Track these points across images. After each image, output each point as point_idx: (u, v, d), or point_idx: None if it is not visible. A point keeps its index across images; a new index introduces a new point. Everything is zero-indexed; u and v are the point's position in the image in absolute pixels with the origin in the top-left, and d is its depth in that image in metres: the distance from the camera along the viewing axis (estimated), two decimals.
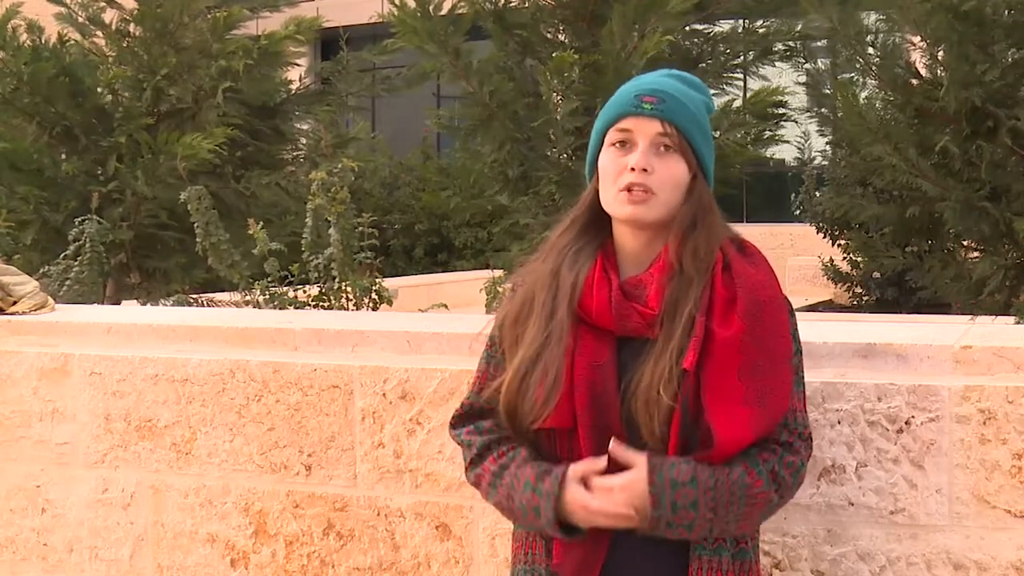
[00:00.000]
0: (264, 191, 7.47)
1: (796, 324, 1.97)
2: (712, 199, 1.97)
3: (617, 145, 1.94)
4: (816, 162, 12.85)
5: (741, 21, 8.02)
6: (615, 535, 1.89)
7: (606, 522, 1.85)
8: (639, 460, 1.83)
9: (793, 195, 12.40)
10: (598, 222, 1.99)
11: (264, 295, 4.79)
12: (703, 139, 1.95)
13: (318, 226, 4.95)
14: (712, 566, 1.88)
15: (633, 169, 1.90)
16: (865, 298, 10.87)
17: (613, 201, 1.93)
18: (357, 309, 4.81)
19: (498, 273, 5.82)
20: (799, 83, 8.37)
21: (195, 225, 5.17)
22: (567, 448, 1.91)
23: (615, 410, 1.88)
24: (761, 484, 1.85)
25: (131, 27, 7.59)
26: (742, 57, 7.68)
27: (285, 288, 4.85)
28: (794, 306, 2.01)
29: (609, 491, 1.84)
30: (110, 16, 7.74)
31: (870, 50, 6.29)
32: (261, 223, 5.06)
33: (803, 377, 1.98)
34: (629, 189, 1.90)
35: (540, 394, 1.89)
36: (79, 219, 6.25)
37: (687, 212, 1.92)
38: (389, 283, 5.29)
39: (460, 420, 2.09)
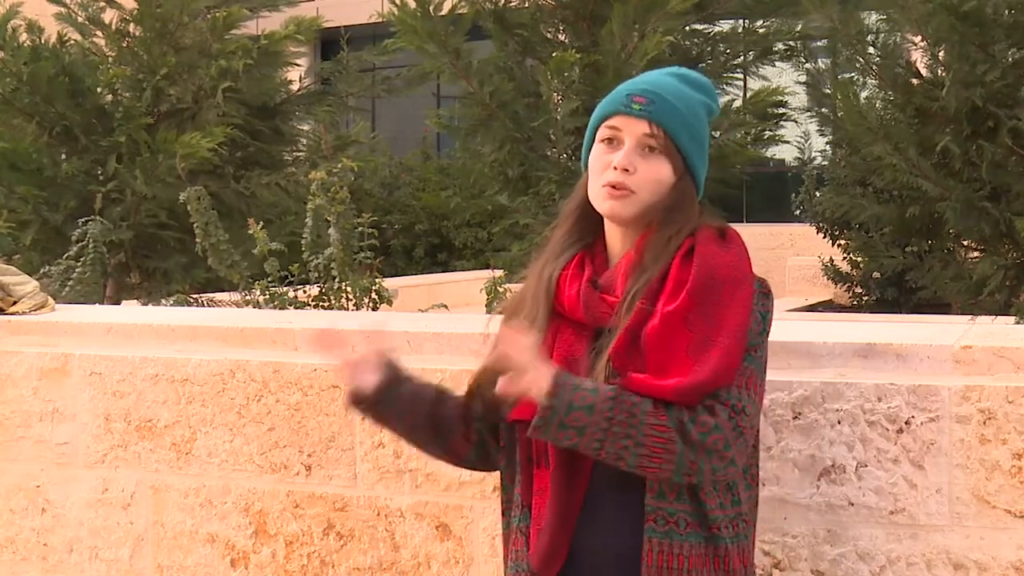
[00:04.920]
0: (264, 191, 7.48)
1: (767, 307, 1.91)
2: (693, 200, 1.96)
3: (605, 142, 1.97)
4: (816, 162, 12.85)
5: (741, 21, 8.02)
6: (581, 519, 1.89)
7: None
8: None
9: (793, 195, 12.39)
10: (590, 216, 2.01)
11: (264, 295, 4.78)
12: (692, 142, 1.95)
13: (318, 226, 4.95)
14: (663, 548, 1.84)
15: (616, 168, 1.92)
16: (865, 298, 10.84)
17: (596, 195, 1.97)
18: (357, 309, 4.81)
19: (498, 273, 5.82)
20: (799, 83, 8.39)
21: (195, 225, 5.17)
22: (540, 442, 1.91)
23: None
24: (665, 420, 1.79)
25: (131, 27, 7.59)
26: (742, 57, 7.68)
27: (285, 288, 4.85)
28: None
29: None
30: (110, 16, 7.74)
31: (870, 50, 6.31)
32: (261, 223, 5.06)
33: (762, 360, 1.89)
34: (612, 186, 1.92)
35: None
36: (83, 220, 6.25)
37: (660, 208, 1.93)
38: (389, 283, 5.29)
39: None
